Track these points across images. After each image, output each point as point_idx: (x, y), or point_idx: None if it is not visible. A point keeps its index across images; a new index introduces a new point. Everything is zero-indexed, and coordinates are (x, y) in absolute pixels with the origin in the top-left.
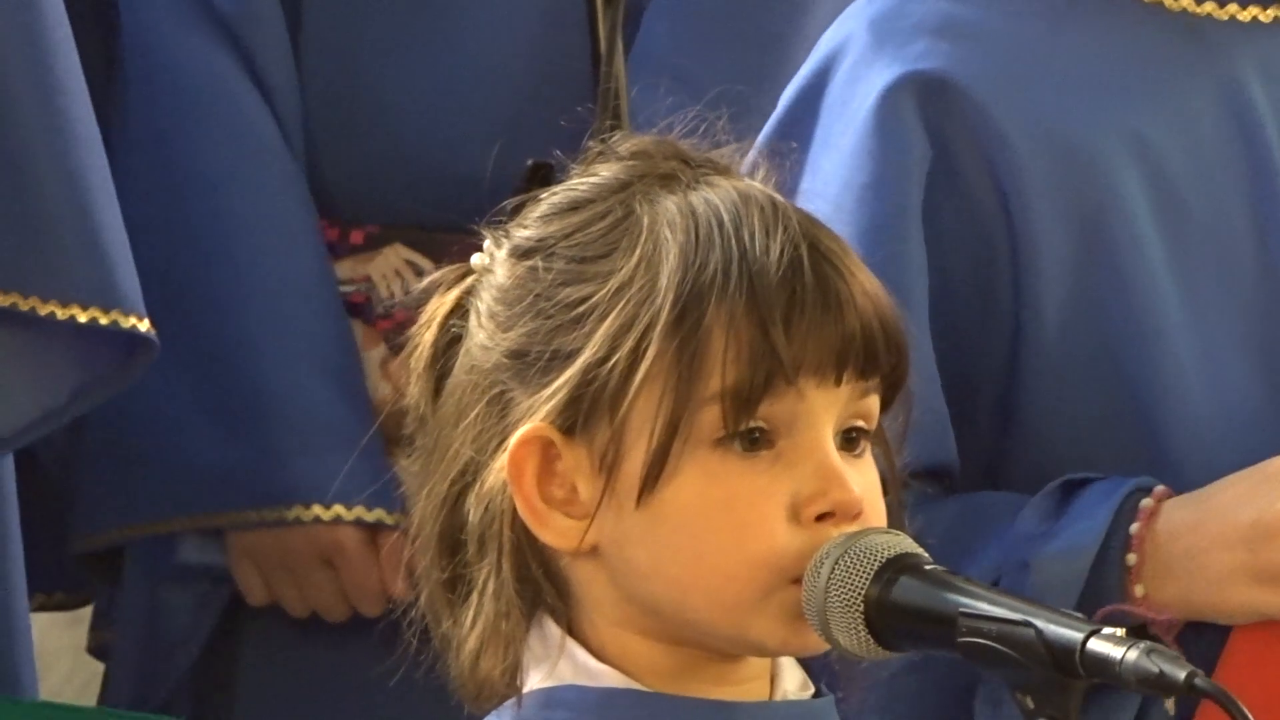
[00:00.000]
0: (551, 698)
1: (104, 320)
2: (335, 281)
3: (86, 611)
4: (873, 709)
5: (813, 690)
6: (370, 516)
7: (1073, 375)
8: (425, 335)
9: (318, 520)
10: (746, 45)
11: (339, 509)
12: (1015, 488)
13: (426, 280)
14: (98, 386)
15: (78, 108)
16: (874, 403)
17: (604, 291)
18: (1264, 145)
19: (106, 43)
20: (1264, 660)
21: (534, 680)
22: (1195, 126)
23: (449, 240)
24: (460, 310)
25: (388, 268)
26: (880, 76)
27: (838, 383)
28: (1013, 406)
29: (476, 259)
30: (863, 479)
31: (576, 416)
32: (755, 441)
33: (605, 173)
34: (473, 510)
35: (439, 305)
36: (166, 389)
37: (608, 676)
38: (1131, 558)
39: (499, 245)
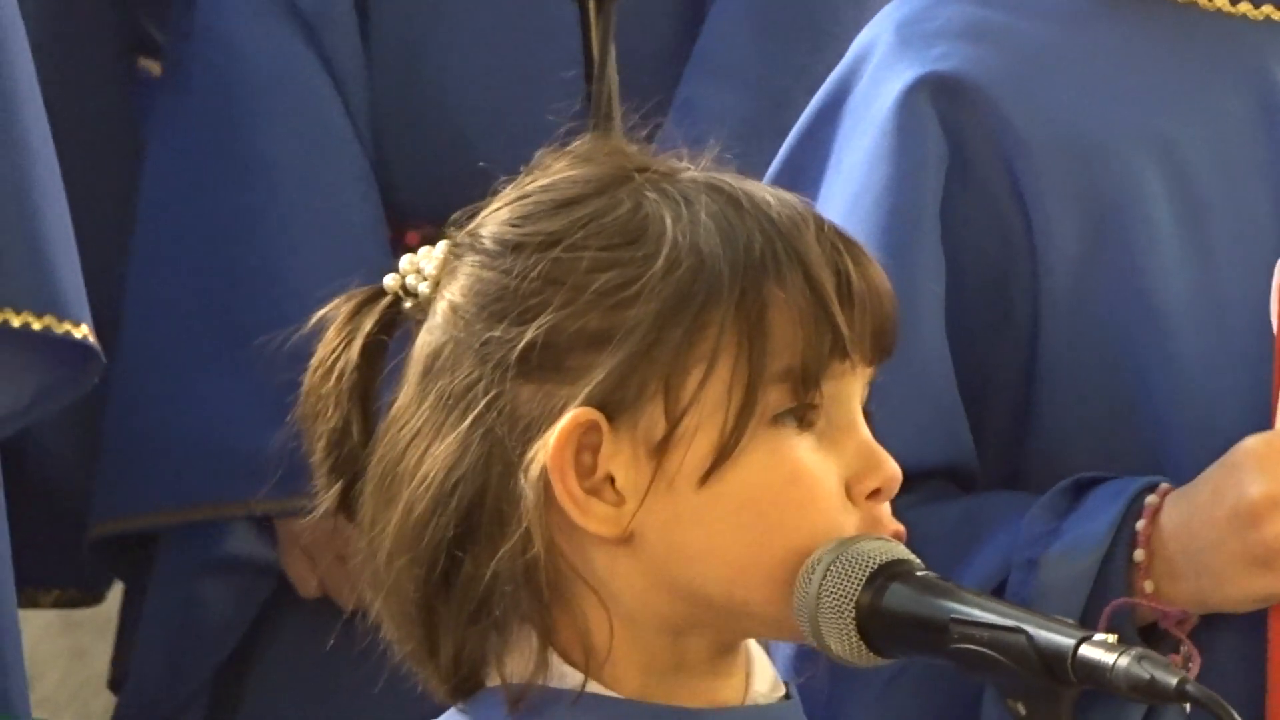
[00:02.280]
0: (530, 699)
1: (36, 325)
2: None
3: (81, 616)
4: (872, 711)
5: (783, 691)
6: None
7: (1088, 376)
8: (347, 357)
9: None
10: (807, 41)
11: None
12: (1035, 489)
13: (326, 308)
14: (59, 390)
15: (28, 116)
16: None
17: (649, 274)
18: None
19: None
20: None
21: (514, 679)
22: (1224, 127)
23: None
24: (381, 330)
25: None
26: (901, 78)
27: (869, 362)
28: (1030, 407)
29: (392, 280)
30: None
31: (624, 399)
32: (805, 419)
33: (582, 171)
34: (527, 493)
35: (353, 328)
36: (221, 374)
37: (575, 680)
38: (1139, 554)
39: (468, 250)
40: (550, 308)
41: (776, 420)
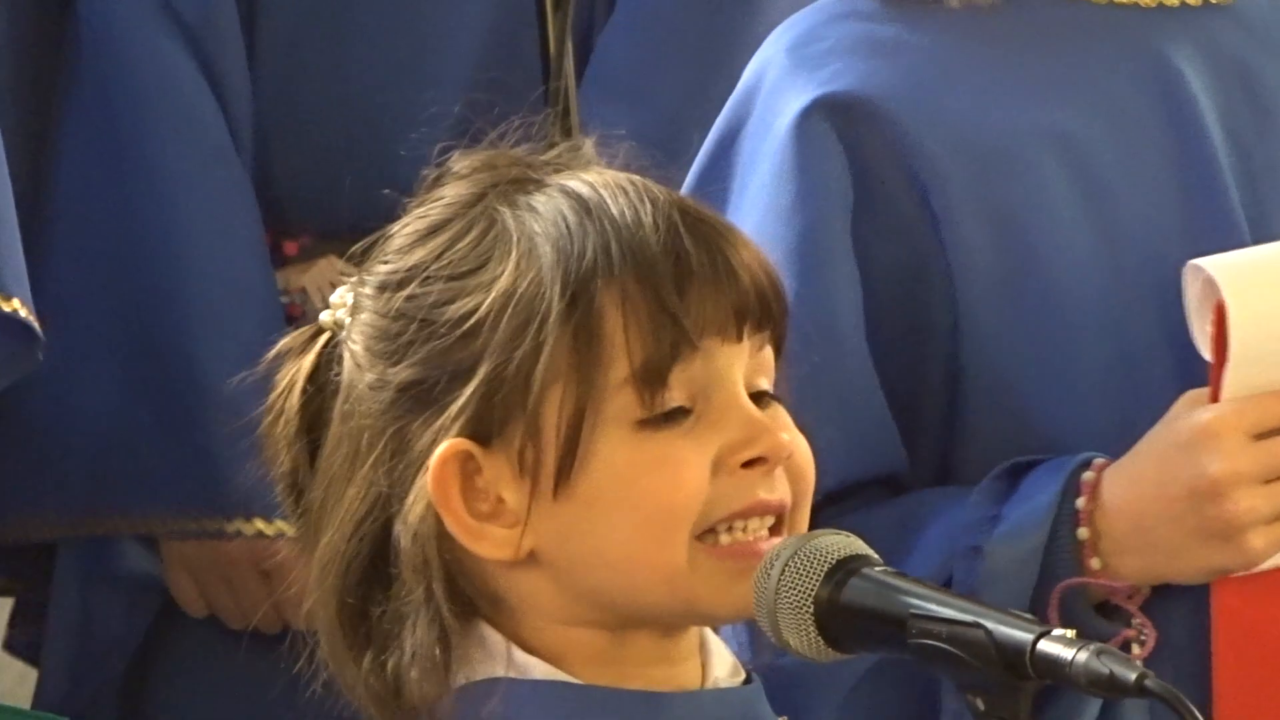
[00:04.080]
0: (489, 690)
1: None
2: (276, 289)
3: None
4: (835, 712)
5: (743, 676)
6: None
7: (1007, 377)
8: (289, 402)
9: (260, 535)
10: (701, 60)
11: (281, 524)
12: (965, 482)
13: (276, 348)
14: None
15: None
16: (770, 357)
17: (490, 300)
18: (1195, 122)
19: (58, 34)
20: (1252, 616)
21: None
22: (1124, 116)
23: None
24: (319, 368)
25: (322, 279)
26: (796, 100)
27: (739, 338)
28: (957, 410)
29: (326, 315)
30: (784, 425)
31: (490, 426)
32: (674, 416)
33: (452, 191)
34: (402, 539)
35: (296, 369)
36: (106, 382)
37: (541, 670)
38: (1082, 532)
39: (361, 286)
40: (415, 345)
41: (641, 424)
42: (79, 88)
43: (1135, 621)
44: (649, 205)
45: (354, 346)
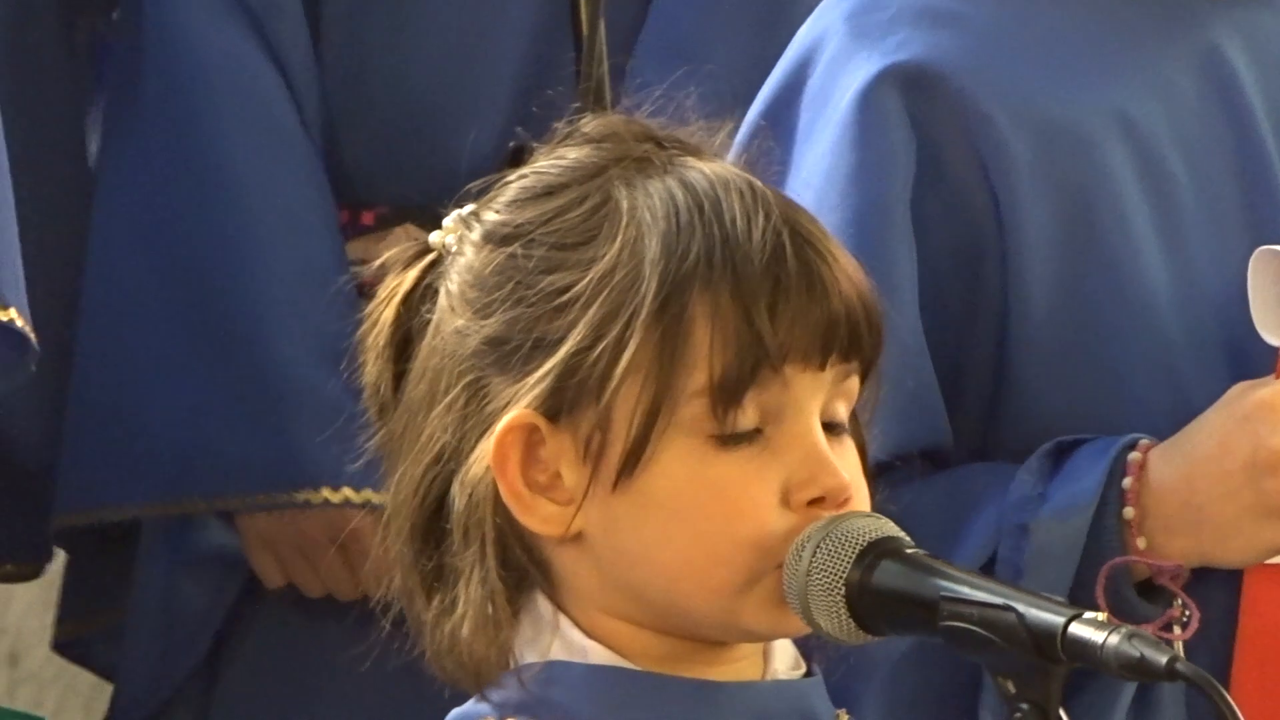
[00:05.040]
0: (547, 674)
1: None
2: (348, 267)
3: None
4: (875, 701)
5: (804, 669)
6: (379, 499)
7: (1061, 356)
8: (384, 313)
9: (327, 503)
10: (756, 28)
11: (348, 492)
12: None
13: (383, 257)
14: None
15: None
16: (855, 384)
17: (587, 280)
18: (1248, 114)
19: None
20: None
21: (528, 658)
22: (1179, 99)
23: None
24: (420, 288)
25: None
26: (860, 69)
27: (822, 368)
28: (1002, 390)
29: (436, 237)
30: (847, 463)
31: (561, 404)
32: (738, 435)
33: (575, 155)
34: (457, 498)
35: (398, 283)
36: (180, 369)
37: (597, 653)
38: (1129, 512)
39: (469, 227)
40: (506, 304)
41: (711, 439)
42: (144, 76)
43: (1178, 601)
44: (761, 216)
45: (450, 285)
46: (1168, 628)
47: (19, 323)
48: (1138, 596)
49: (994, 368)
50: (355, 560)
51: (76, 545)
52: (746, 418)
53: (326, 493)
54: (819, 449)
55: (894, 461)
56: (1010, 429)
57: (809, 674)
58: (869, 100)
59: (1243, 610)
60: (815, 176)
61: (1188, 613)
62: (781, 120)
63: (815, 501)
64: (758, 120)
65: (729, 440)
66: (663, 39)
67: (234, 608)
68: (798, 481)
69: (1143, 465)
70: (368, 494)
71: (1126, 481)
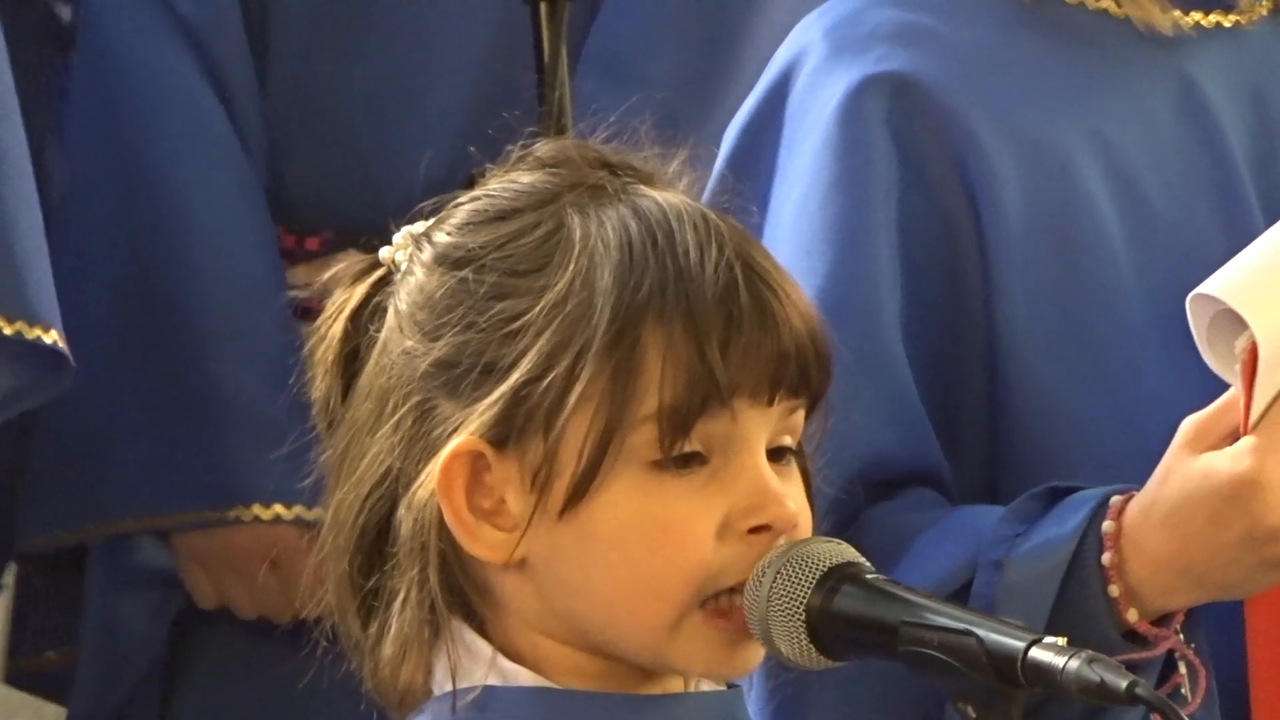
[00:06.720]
0: (483, 698)
1: (7, 331)
2: (283, 285)
3: None
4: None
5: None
6: (310, 515)
7: (1051, 371)
8: (333, 328)
9: (258, 520)
10: (701, 43)
11: (279, 508)
12: (1014, 496)
13: (331, 270)
14: (24, 394)
15: (2, 122)
16: (800, 418)
17: (539, 308)
18: (1222, 144)
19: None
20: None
21: (463, 684)
22: (1154, 125)
23: None
24: (370, 305)
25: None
26: (842, 80)
27: (770, 403)
28: (997, 409)
29: (386, 253)
30: (793, 491)
31: (509, 431)
32: (689, 462)
33: (529, 180)
34: (404, 520)
35: (346, 297)
36: (116, 389)
37: (523, 676)
38: (1107, 557)
39: (420, 247)
40: (455, 328)
41: (655, 464)
42: (80, 91)
43: (1181, 665)
44: (715, 248)
45: (400, 305)
46: (1175, 694)
47: (60, 344)
48: (1130, 643)
49: (986, 388)
50: (288, 579)
51: (26, 580)
52: (691, 444)
53: (258, 509)
54: (765, 480)
55: (891, 481)
56: (1011, 454)
57: (732, 686)
58: (851, 110)
59: (1250, 635)
60: (798, 186)
61: (1196, 674)
62: (764, 132)
63: (759, 530)
64: (739, 139)
65: (674, 464)
66: (605, 52)
67: (185, 628)
68: (740, 510)
69: (1122, 508)
70: (299, 510)
71: (1106, 525)
